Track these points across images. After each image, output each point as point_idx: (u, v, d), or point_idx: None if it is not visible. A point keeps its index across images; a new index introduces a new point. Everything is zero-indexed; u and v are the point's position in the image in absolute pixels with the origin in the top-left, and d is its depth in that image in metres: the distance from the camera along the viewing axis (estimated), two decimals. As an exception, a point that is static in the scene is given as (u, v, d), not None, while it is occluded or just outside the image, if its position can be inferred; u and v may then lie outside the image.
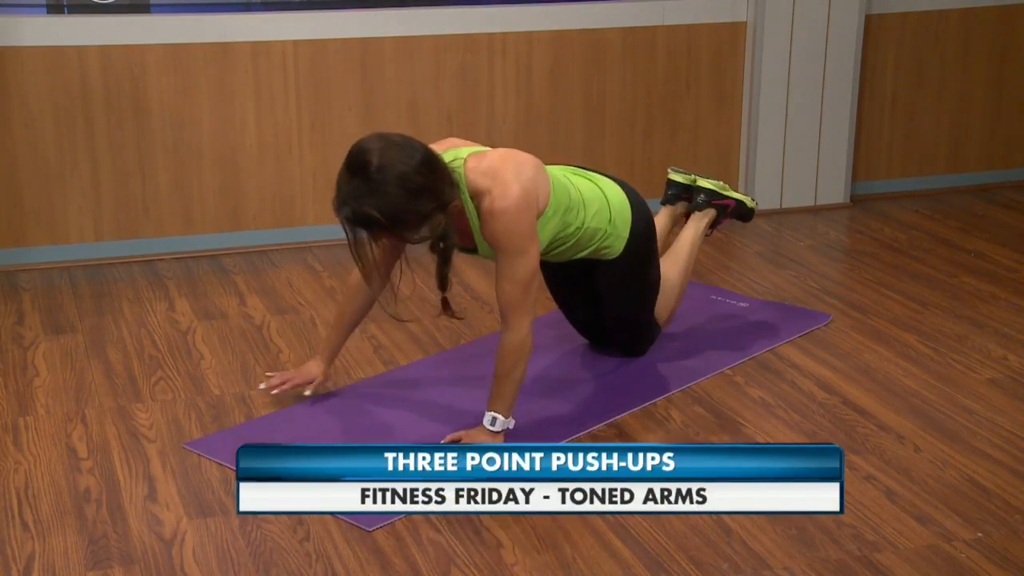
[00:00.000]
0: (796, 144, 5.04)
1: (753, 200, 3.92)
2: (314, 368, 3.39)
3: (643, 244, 3.44)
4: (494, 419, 3.06)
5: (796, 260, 4.54)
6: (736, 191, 3.90)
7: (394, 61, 4.62)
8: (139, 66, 4.37)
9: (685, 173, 3.89)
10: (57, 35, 4.30)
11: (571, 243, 3.28)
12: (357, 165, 2.86)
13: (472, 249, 3.18)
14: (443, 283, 3.05)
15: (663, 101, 4.95)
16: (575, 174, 3.39)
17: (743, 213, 3.89)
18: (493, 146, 4.73)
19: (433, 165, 2.92)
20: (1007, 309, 4.05)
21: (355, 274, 3.28)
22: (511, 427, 3.09)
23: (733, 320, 3.95)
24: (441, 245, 2.99)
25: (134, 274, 4.39)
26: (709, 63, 4.96)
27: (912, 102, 5.24)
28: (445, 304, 3.12)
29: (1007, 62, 5.31)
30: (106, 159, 4.42)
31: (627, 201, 3.40)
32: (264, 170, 4.59)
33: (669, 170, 3.92)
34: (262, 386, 3.38)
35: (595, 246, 3.34)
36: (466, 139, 4.73)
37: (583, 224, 3.26)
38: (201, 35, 4.42)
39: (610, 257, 3.39)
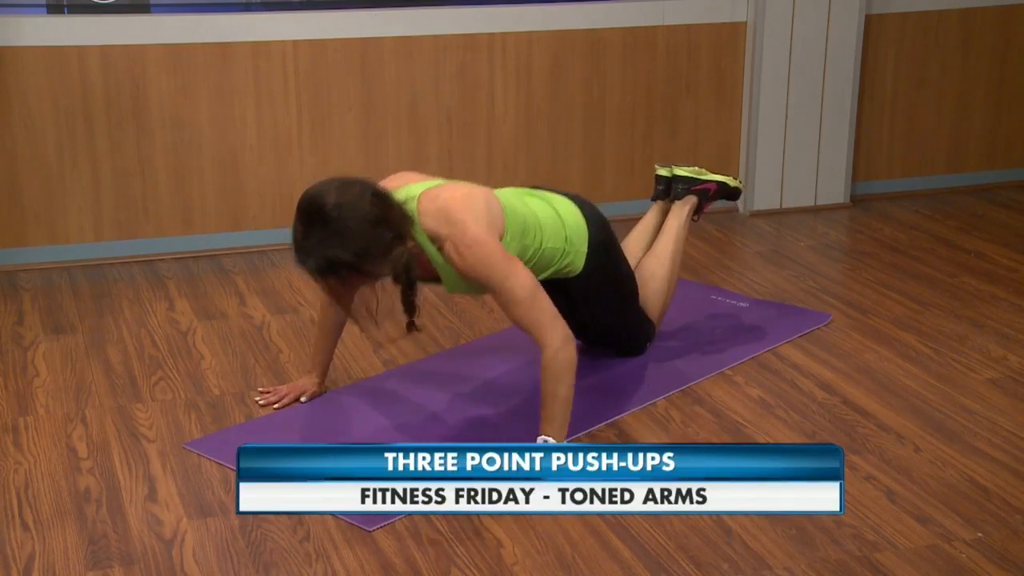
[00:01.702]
0: (796, 144, 5.04)
1: (736, 179, 3.87)
2: (307, 382, 3.41)
3: (604, 254, 3.39)
4: (545, 443, 2.98)
5: (796, 260, 4.54)
6: (716, 173, 3.84)
7: (394, 61, 4.62)
8: (139, 66, 4.37)
9: (667, 167, 3.85)
10: (57, 35, 4.30)
11: (532, 265, 3.21)
12: (312, 213, 2.84)
13: (435, 279, 3.15)
14: (411, 309, 3.01)
15: (663, 101, 4.95)
16: (528, 195, 3.35)
17: (728, 193, 3.84)
18: (492, 148, 4.77)
19: (385, 198, 2.92)
20: (1007, 309, 4.05)
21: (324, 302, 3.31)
22: None
23: (733, 320, 3.95)
24: (404, 277, 2.95)
25: (134, 274, 4.39)
26: (709, 63, 4.96)
27: (912, 102, 5.24)
28: (411, 325, 3.08)
29: (1007, 62, 5.31)
30: (106, 159, 4.42)
31: (581, 216, 3.36)
32: (264, 170, 4.59)
33: (656, 166, 3.88)
34: (259, 400, 3.38)
35: (556, 266, 3.30)
36: (464, 141, 4.75)
37: (541, 245, 3.22)
38: (201, 35, 4.42)
39: (574, 274, 3.35)
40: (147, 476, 3.03)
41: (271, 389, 3.41)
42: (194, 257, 4.55)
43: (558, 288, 3.38)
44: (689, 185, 3.79)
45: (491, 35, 4.70)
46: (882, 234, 4.82)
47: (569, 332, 3.00)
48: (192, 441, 3.19)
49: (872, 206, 5.17)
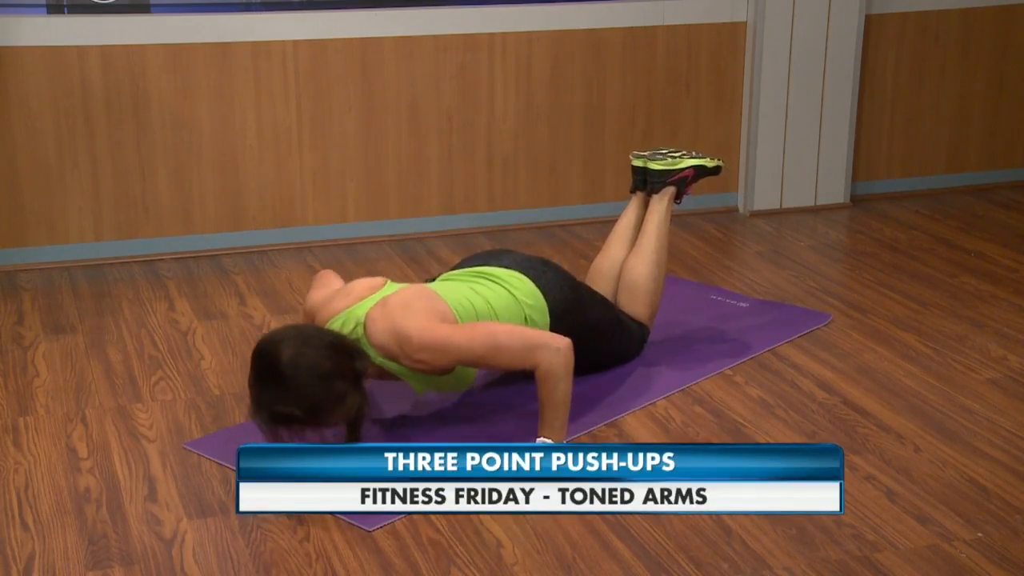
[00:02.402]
0: (796, 144, 5.04)
1: (714, 159, 3.77)
2: None
3: (568, 318, 3.32)
4: (544, 444, 2.98)
5: (796, 260, 4.54)
6: (692, 155, 3.74)
7: (394, 61, 4.62)
8: (139, 66, 4.37)
9: (642, 157, 3.77)
10: (57, 35, 4.30)
11: None
12: (265, 368, 2.84)
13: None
14: (357, 439, 3.00)
15: (663, 101, 4.95)
16: (477, 283, 3.29)
17: (708, 173, 3.75)
18: (492, 148, 4.77)
19: (338, 346, 2.91)
20: (1007, 309, 4.05)
21: (308, 302, 3.30)
22: None
23: (733, 320, 3.95)
24: (354, 421, 2.95)
25: (134, 274, 4.39)
26: (709, 63, 4.96)
27: (912, 102, 5.24)
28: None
29: (1007, 62, 5.31)
30: (106, 159, 4.42)
31: (537, 290, 3.30)
32: (264, 170, 4.59)
33: (631, 156, 3.80)
34: None
35: None
36: (464, 141, 4.75)
37: None
38: (201, 35, 4.42)
39: None
40: (147, 476, 3.03)
41: None
42: (194, 257, 4.55)
43: None
44: (664, 178, 3.71)
45: (491, 35, 4.70)
46: (882, 234, 4.82)
47: (560, 345, 2.99)
48: (192, 441, 3.19)
49: (872, 206, 5.17)
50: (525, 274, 3.33)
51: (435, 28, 4.63)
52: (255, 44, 4.48)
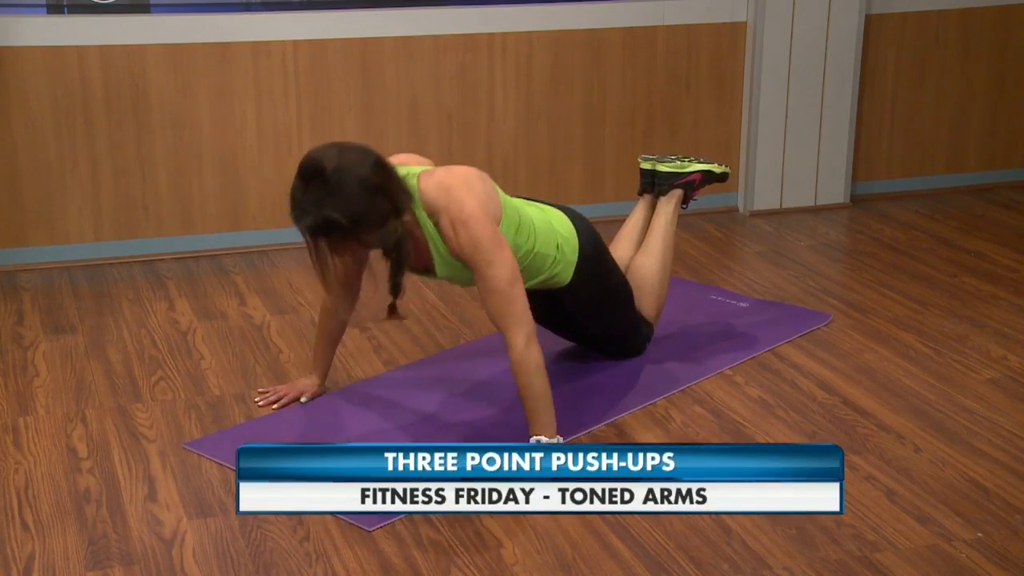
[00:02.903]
0: (796, 144, 5.04)
1: (721, 165, 3.82)
2: (307, 383, 3.42)
3: (594, 264, 3.38)
4: (538, 443, 2.97)
5: (796, 260, 4.54)
6: (699, 161, 3.79)
7: (394, 61, 4.62)
8: (139, 66, 4.37)
9: (651, 159, 3.81)
10: (57, 35, 4.30)
11: (523, 267, 3.19)
12: (312, 171, 2.84)
13: (428, 270, 3.14)
14: (396, 289, 3.01)
15: (663, 101, 4.95)
16: (521, 201, 3.35)
17: (715, 179, 3.80)
18: (492, 148, 4.77)
19: (387, 168, 2.92)
20: (1007, 309, 4.05)
21: (327, 296, 3.31)
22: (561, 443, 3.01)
23: (733, 320, 3.95)
24: (395, 253, 2.95)
25: (134, 274, 4.39)
26: (709, 63, 4.96)
27: (912, 102, 5.24)
28: (392, 309, 3.10)
29: (1007, 62, 5.31)
30: (106, 159, 4.42)
31: (573, 227, 3.35)
32: (264, 170, 4.59)
33: (639, 159, 3.83)
34: (258, 400, 3.39)
35: (547, 273, 3.28)
36: (464, 141, 4.75)
37: (533, 247, 3.21)
38: (201, 35, 4.42)
39: (561, 284, 3.34)
40: (147, 476, 3.03)
41: (270, 389, 3.42)
42: (194, 257, 4.55)
43: (553, 302, 3.39)
44: (672, 180, 3.75)
45: (491, 35, 4.70)
46: (882, 234, 4.82)
47: (534, 333, 2.99)
48: (192, 441, 3.19)
49: (872, 206, 5.17)
50: (564, 213, 3.39)
51: (435, 28, 4.63)
52: (255, 44, 4.48)
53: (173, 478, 3.02)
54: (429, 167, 3.14)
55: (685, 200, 3.76)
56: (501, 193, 3.20)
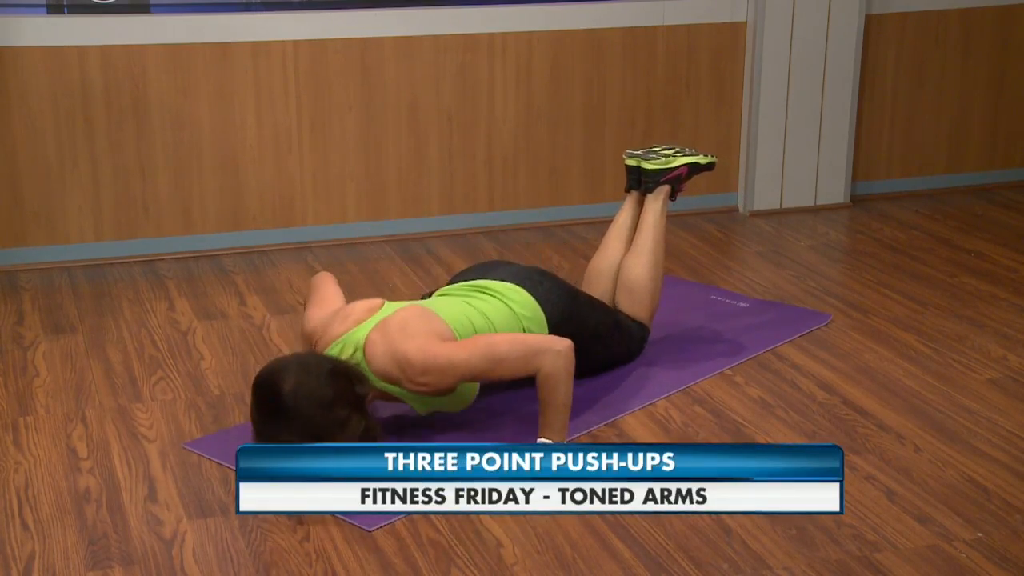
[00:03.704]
0: (796, 144, 5.04)
1: (707, 155, 3.76)
2: None
3: (567, 327, 3.31)
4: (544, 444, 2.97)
5: (796, 260, 4.54)
6: (684, 154, 3.73)
7: (394, 61, 4.62)
8: (139, 66, 4.37)
9: (635, 156, 3.75)
10: (57, 35, 4.30)
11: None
12: (267, 398, 2.84)
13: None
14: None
15: (663, 101, 4.95)
16: (474, 296, 3.30)
17: (703, 169, 3.74)
18: (492, 148, 4.77)
19: (339, 373, 2.90)
20: (1007, 309, 4.05)
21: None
22: None
23: (733, 320, 3.95)
24: (363, 438, 2.94)
25: (134, 274, 4.39)
26: (709, 63, 4.96)
27: (912, 102, 5.23)
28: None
29: (1007, 62, 5.31)
30: (106, 159, 4.42)
31: (533, 301, 3.31)
32: (264, 170, 4.59)
33: (624, 155, 3.78)
34: None
35: None
36: (464, 141, 4.75)
37: None
38: (201, 35, 4.42)
39: None
40: (147, 476, 3.03)
41: None
42: (194, 257, 4.55)
43: None
44: (658, 177, 3.69)
45: (491, 35, 4.70)
46: (882, 234, 4.82)
47: (560, 340, 2.99)
48: (192, 441, 3.19)
49: (872, 206, 5.16)
50: (521, 286, 3.34)
51: (435, 28, 4.63)
52: (255, 44, 4.48)
53: (173, 478, 3.02)
54: (371, 323, 3.09)
55: (673, 195, 3.72)
56: (446, 310, 3.18)
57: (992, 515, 2.84)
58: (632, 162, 3.74)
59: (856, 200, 5.21)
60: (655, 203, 3.69)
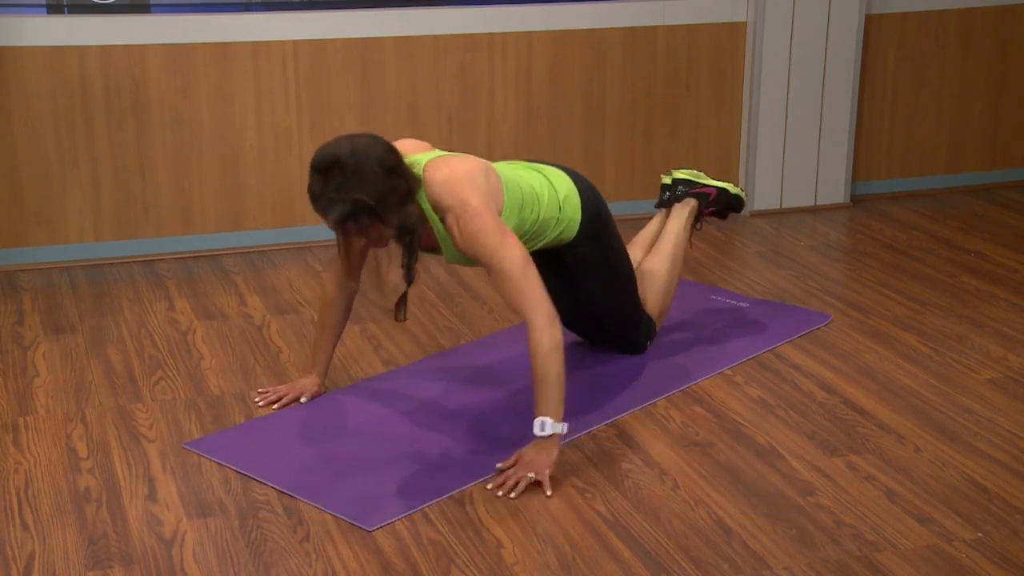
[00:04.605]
0: (796, 144, 5.04)
1: (738, 186, 3.88)
2: (307, 383, 3.43)
3: (596, 223, 3.42)
4: (543, 423, 2.93)
5: (796, 260, 4.54)
6: (716, 179, 3.86)
7: (394, 61, 4.62)
8: (139, 66, 4.37)
9: (670, 173, 3.90)
10: (57, 35, 4.30)
11: (530, 235, 3.27)
12: (328, 163, 2.90)
13: (435, 249, 3.19)
14: (410, 276, 3.07)
15: (663, 101, 4.95)
16: (523, 168, 3.40)
17: (729, 201, 3.85)
18: (492, 148, 4.77)
19: (396, 151, 2.98)
20: (1007, 309, 4.05)
21: (328, 286, 3.38)
22: (564, 431, 2.97)
23: (733, 320, 3.95)
24: (408, 236, 3.01)
25: (134, 274, 4.39)
26: (709, 63, 4.96)
27: (912, 102, 5.24)
28: (401, 302, 3.14)
29: (1007, 62, 5.31)
30: (106, 159, 4.42)
31: (574, 186, 3.40)
32: (264, 170, 4.59)
33: (663, 175, 3.93)
34: (258, 401, 3.40)
35: (552, 234, 3.34)
36: (464, 141, 4.75)
37: (538, 217, 3.27)
38: (201, 35, 4.42)
39: (566, 241, 3.39)
40: (147, 476, 3.03)
41: (270, 389, 3.42)
42: (194, 257, 4.55)
43: (554, 260, 3.41)
44: (688, 188, 3.82)
45: (491, 35, 4.70)
46: (882, 234, 4.82)
47: (554, 313, 2.98)
48: (192, 441, 3.19)
49: (872, 206, 5.17)
50: (566, 173, 3.43)
51: (435, 28, 4.63)
52: (255, 44, 4.48)
53: (173, 478, 3.02)
54: (432, 155, 3.16)
55: (698, 216, 3.81)
56: (503, 169, 3.24)
57: (992, 515, 2.84)
58: (668, 180, 3.87)
59: (856, 200, 5.21)
60: (681, 212, 3.79)
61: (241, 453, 3.11)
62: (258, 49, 4.48)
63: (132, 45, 4.36)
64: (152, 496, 2.94)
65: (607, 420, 3.28)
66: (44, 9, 4.35)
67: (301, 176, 4.60)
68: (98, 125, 4.39)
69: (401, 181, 2.94)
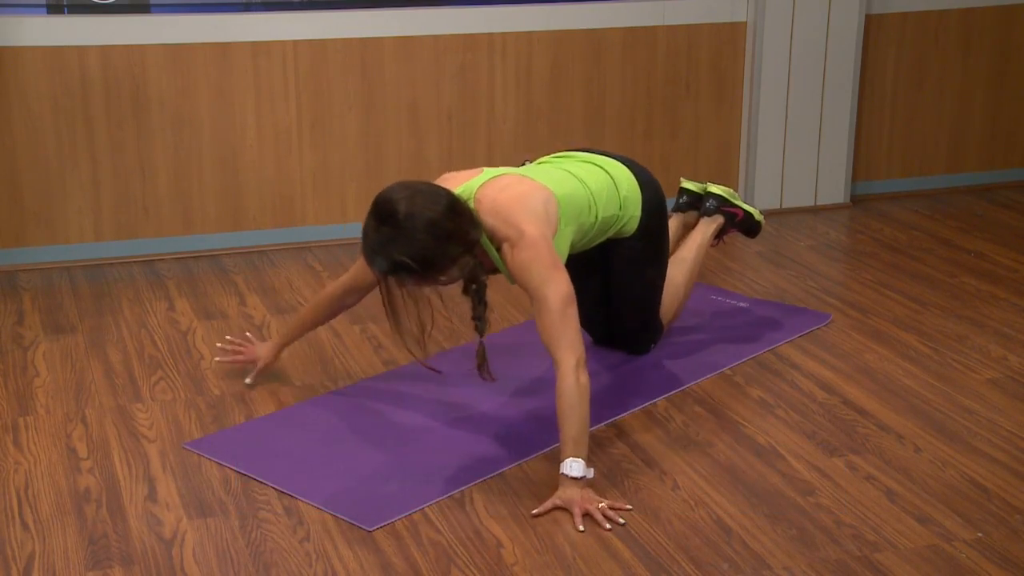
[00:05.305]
0: (796, 144, 5.04)
1: (761, 214, 3.93)
2: (264, 350, 3.51)
3: (656, 219, 3.47)
4: (573, 465, 2.84)
5: (796, 260, 4.54)
6: (745, 203, 3.91)
7: (394, 61, 4.62)
8: (139, 66, 4.37)
9: (698, 183, 3.93)
10: (57, 35, 4.30)
11: (590, 236, 3.32)
12: (385, 214, 2.89)
13: (494, 270, 3.20)
14: (481, 327, 3.09)
15: (663, 101, 4.95)
16: (581, 161, 3.41)
17: (751, 226, 3.89)
18: (492, 148, 4.77)
19: (458, 209, 2.95)
20: (1007, 309, 4.05)
21: (327, 290, 3.44)
22: (590, 476, 2.88)
23: (733, 320, 3.95)
24: (473, 287, 3.04)
25: (134, 274, 4.39)
26: (709, 63, 4.96)
27: (912, 102, 5.24)
28: (481, 354, 3.14)
29: (1007, 62, 5.31)
30: (106, 159, 4.42)
31: (635, 181, 3.43)
32: (264, 170, 4.59)
33: (682, 179, 3.96)
34: (216, 357, 3.55)
35: (613, 230, 3.39)
36: (464, 141, 4.75)
37: (597, 218, 3.29)
38: (201, 35, 4.42)
39: (627, 235, 3.43)
40: (147, 476, 3.03)
41: (235, 341, 3.56)
42: (194, 257, 4.55)
43: (603, 255, 3.44)
44: (720, 204, 3.84)
45: (491, 35, 4.70)
46: (882, 234, 4.82)
47: (584, 358, 2.94)
48: (192, 441, 3.19)
49: (872, 206, 5.17)
50: (624, 164, 3.46)
51: (435, 28, 4.63)
52: (255, 44, 4.48)
53: (173, 478, 3.02)
54: (482, 179, 3.16)
55: (721, 233, 3.85)
56: (558, 184, 3.21)
57: (992, 515, 2.84)
58: (691, 186, 3.91)
59: (856, 200, 5.21)
60: (708, 226, 3.82)
61: (241, 453, 3.11)
62: (258, 49, 4.48)
63: (132, 45, 4.36)
64: (152, 496, 2.94)
65: (607, 420, 3.28)
66: (44, 9, 4.35)
67: (301, 176, 4.61)
68: (98, 125, 4.39)
69: (454, 247, 2.91)
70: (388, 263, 2.88)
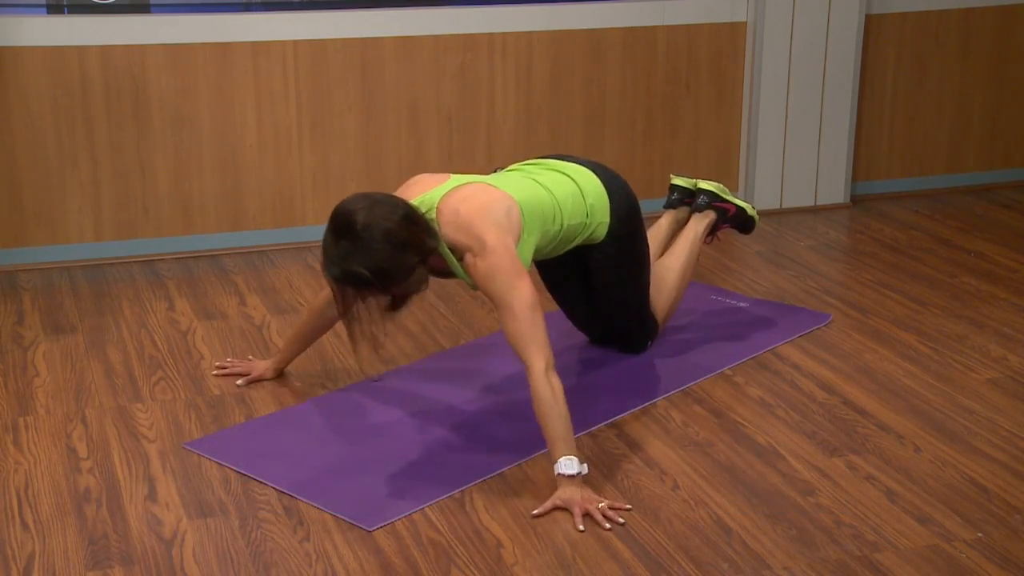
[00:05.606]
0: (796, 144, 5.04)
1: (754, 208, 3.92)
2: (264, 368, 3.52)
3: (626, 224, 3.44)
4: (567, 463, 2.85)
5: (796, 260, 4.54)
6: (737, 198, 3.90)
7: (394, 61, 4.62)
8: (139, 66, 4.37)
9: (688, 178, 3.92)
10: (57, 35, 4.30)
11: (555, 244, 3.30)
12: (342, 226, 2.88)
13: (446, 274, 3.18)
14: (394, 310, 3.08)
15: (663, 101, 4.95)
16: (547, 169, 3.39)
17: (744, 221, 3.88)
18: (492, 148, 4.77)
19: (415, 219, 2.95)
20: (1007, 309, 4.05)
21: (320, 296, 3.42)
22: (585, 472, 2.88)
23: (733, 320, 3.95)
24: (402, 301, 3.03)
25: (134, 274, 4.39)
26: (709, 63, 4.96)
27: (912, 102, 5.24)
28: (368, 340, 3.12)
29: (1007, 62, 5.31)
30: (106, 159, 4.42)
31: (602, 188, 3.40)
32: (264, 170, 4.59)
33: (672, 176, 3.94)
34: (215, 373, 3.56)
35: (580, 238, 3.37)
36: (464, 141, 4.75)
37: (562, 226, 3.27)
38: (201, 35, 4.42)
39: (595, 242, 3.41)
40: (147, 476, 3.03)
41: (233, 361, 3.57)
42: (194, 257, 4.55)
43: (579, 261, 3.44)
44: (711, 200, 3.83)
45: (491, 35, 4.70)
46: (882, 234, 4.82)
47: (553, 361, 2.95)
48: (192, 441, 3.19)
49: (872, 206, 5.17)
50: (594, 172, 3.44)
51: (435, 28, 4.63)
52: (255, 44, 4.48)
53: (173, 478, 3.02)
54: (446, 188, 3.14)
55: (713, 229, 3.84)
56: (520, 191, 3.20)
57: (992, 515, 2.84)
58: (681, 182, 3.89)
59: (856, 200, 5.21)
60: (700, 222, 3.81)
61: (241, 453, 3.11)
62: (258, 49, 4.48)
63: (132, 45, 4.36)
64: (152, 496, 2.94)
65: (607, 420, 3.28)
66: (44, 9, 4.35)
67: (301, 176, 4.61)
68: (98, 125, 4.39)
69: (411, 256, 2.91)
70: (343, 272, 2.87)
